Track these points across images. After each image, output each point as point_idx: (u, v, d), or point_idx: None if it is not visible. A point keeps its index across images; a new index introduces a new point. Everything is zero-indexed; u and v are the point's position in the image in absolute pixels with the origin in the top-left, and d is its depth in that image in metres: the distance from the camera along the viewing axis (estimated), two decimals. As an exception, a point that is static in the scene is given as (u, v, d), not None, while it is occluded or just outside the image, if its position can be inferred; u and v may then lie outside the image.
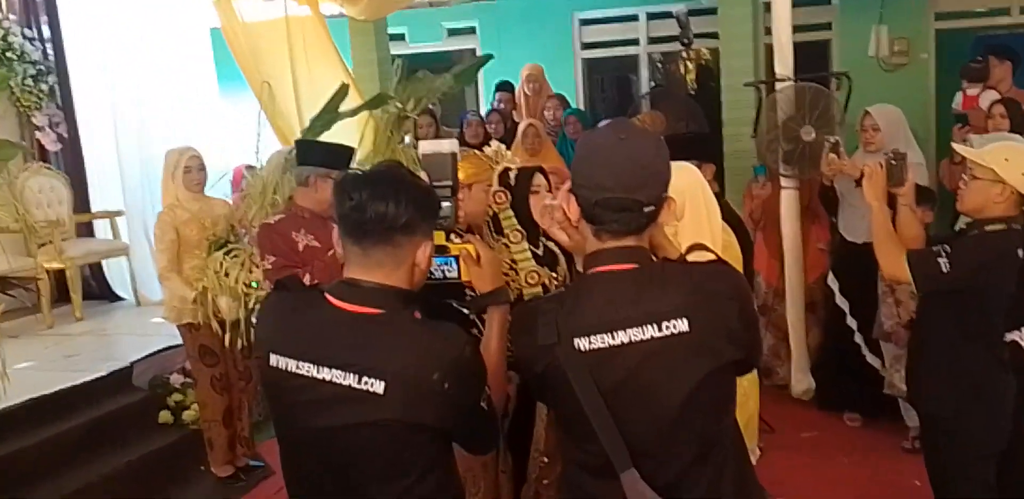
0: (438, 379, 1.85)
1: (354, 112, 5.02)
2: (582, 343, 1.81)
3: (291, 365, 1.93)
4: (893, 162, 3.29)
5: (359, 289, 1.93)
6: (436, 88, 5.14)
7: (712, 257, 1.95)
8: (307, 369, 1.91)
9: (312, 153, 4.01)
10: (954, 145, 3.45)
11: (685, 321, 1.79)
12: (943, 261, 2.95)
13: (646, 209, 1.83)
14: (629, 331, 1.79)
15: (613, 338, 1.80)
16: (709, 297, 1.82)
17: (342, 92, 4.76)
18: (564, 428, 1.98)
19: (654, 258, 1.91)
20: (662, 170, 1.86)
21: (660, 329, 1.79)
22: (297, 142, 4.34)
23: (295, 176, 4.07)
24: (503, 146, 3.67)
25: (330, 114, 4.67)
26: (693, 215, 2.89)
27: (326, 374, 1.89)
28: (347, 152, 4.06)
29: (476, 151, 3.49)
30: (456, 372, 1.88)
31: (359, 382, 1.86)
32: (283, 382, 1.95)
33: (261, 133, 5.47)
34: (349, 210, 1.90)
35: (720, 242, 3.03)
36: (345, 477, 1.96)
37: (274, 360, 1.96)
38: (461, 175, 3.28)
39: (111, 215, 7.17)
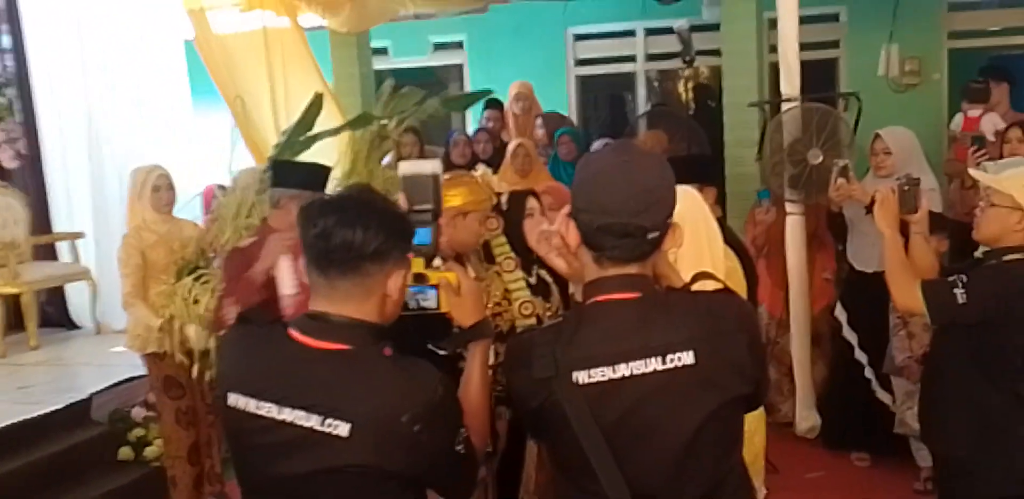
0: (408, 422, 1.83)
1: (336, 132, 5.02)
2: (581, 376, 1.80)
3: (251, 405, 1.91)
4: (906, 188, 3.31)
5: (325, 323, 1.92)
6: (422, 110, 5.14)
7: (719, 286, 1.95)
8: (267, 409, 1.89)
9: (285, 174, 4.01)
10: (971, 170, 3.47)
11: (691, 354, 1.78)
12: (959, 292, 2.95)
13: (650, 235, 1.83)
14: (631, 364, 1.79)
15: (614, 371, 1.79)
16: (716, 329, 1.82)
17: (316, 104, 4.76)
18: (560, 467, 1.97)
19: (657, 287, 1.91)
20: (667, 194, 1.86)
21: (664, 362, 1.79)
22: (271, 162, 4.34)
23: (269, 198, 4.07)
24: (489, 171, 3.68)
25: (305, 129, 4.66)
26: (693, 241, 2.88)
27: (287, 415, 1.87)
28: (322, 172, 4.05)
29: (476, 177, 3.48)
30: (428, 414, 1.86)
31: (322, 424, 1.84)
32: (242, 423, 1.93)
33: (235, 150, 5.47)
34: (313, 238, 1.89)
35: (722, 269, 3.03)
36: None
37: (232, 400, 1.93)
38: (458, 201, 3.30)
39: (72, 236, 7.12)
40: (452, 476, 1.99)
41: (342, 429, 1.83)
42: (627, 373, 1.79)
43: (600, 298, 1.86)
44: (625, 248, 1.83)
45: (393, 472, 1.86)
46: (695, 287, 1.96)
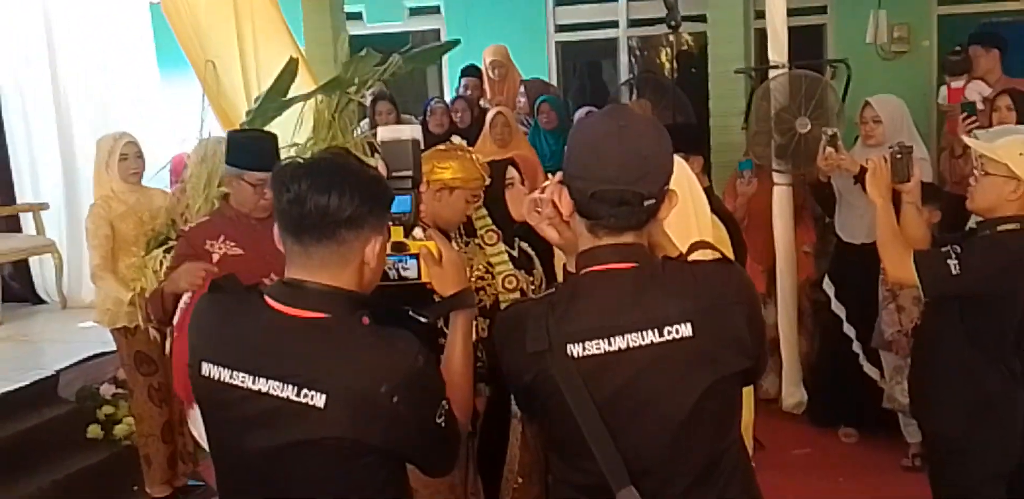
0: (386, 393, 1.81)
1: (308, 96, 4.95)
2: (575, 349, 1.79)
3: (225, 375, 1.89)
4: (898, 156, 3.29)
5: (301, 291, 1.89)
6: (384, 70, 5.04)
7: (716, 256, 1.94)
8: (242, 379, 1.87)
9: (229, 151, 3.79)
10: (965, 138, 3.46)
11: (689, 326, 1.77)
12: (953, 263, 2.95)
13: (647, 203, 1.81)
14: (628, 336, 1.78)
15: (610, 344, 1.78)
16: (715, 301, 1.81)
17: (290, 70, 4.68)
18: (554, 444, 1.95)
19: (654, 257, 1.89)
20: (665, 161, 1.84)
21: (662, 334, 1.77)
22: (227, 135, 4.17)
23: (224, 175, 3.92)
24: (463, 143, 3.62)
25: (279, 96, 4.58)
26: (680, 210, 2.86)
27: (263, 385, 1.85)
28: (262, 146, 3.75)
29: (473, 155, 3.42)
30: (407, 386, 1.84)
31: (298, 395, 1.82)
32: (216, 395, 1.91)
33: (205, 119, 5.40)
34: (287, 204, 1.86)
35: (710, 239, 3.02)
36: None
37: (206, 369, 1.91)
38: (447, 175, 3.25)
39: (36, 208, 7.05)
40: (433, 451, 1.97)
41: (318, 400, 1.81)
42: (623, 346, 1.78)
43: (594, 268, 1.84)
44: (621, 216, 1.81)
45: (371, 446, 1.84)
46: (692, 257, 1.95)
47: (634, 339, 1.78)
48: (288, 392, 1.83)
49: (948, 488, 3.22)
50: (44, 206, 7.08)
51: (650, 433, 1.80)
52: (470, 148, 3.50)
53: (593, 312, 1.81)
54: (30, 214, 7.10)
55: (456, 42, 5.67)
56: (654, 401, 1.80)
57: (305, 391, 1.82)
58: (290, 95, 4.82)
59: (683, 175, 2.91)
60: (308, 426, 1.82)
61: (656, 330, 1.77)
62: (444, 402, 1.93)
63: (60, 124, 7.08)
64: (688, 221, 2.86)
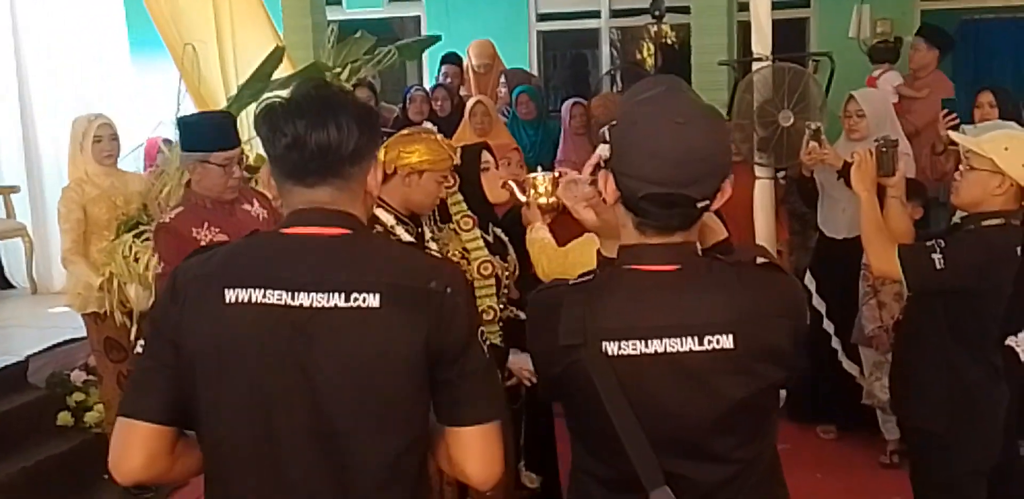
0: (436, 287, 1.77)
1: (284, 83, 4.91)
2: (611, 347, 1.73)
3: (256, 296, 1.76)
4: (883, 150, 3.30)
5: (318, 213, 1.82)
6: (377, 59, 5.03)
7: (765, 260, 1.83)
8: (279, 297, 1.75)
9: (183, 137, 3.73)
10: (951, 133, 3.47)
11: (730, 337, 1.71)
12: (937, 257, 2.96)
13: (699, 204, 1.73)
14: (666, 341, 1.72)
15: (647, 346, 1.72)
16: (760, 311, 1.74)
17: (275, 57, 4.66)
18: (579, 436, 1.90)
19: (700, 257, 1.81)
20: (723, 160, 1.76)
21: (701, 343, 1.71)
22: (176, 121, 4.12)
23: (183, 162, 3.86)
24: (435, 129, 3.61)
25: (262, 82, 4.56)
26: None
27: (304, 299, 1.75)
28: (219, 126, 3.70)
29: (437, 135, 3.41)
30: (455, 281, 1.82)
31: (347, 300, 1.74)
32: (244, 321, 1.76)
33: (181, 102, 5.36)
34: (285, 149, 1.78)
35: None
36: (326, 435, 1.77)
37: (231, 296, 1.76)
38: (414, 159, 3.24)
39: (5, 191, 6.98)
40: (485, 378, 1.84)
41: (372, 300, 1.74)
42: (660, 349, 1.71)
43: (638, 267, 1.78)
44: (671, 218, 1.74)
45: (428, 345, 1.76)
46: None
47: (672, 344, 1.71)
48: (336, 300, 1.74)
49: (930, 483, 3.23)
50: (15, 189, 7.01)
51: (677, 437, 1.75)
52: (432, 130, 3.49)
53: (632, 311, 1.75)
54: (-1, 197, 7.03)
55: (437, 38, 5.66)
56: (685, 408, 1.74)
57: (355, 294, 1.74)
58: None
59: None
60: (362, 332, 1.75)
61: (696, 338, 1.71)
62: (483, 328, 1.88)
63: (23, 105, 7.00)
64: None
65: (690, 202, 1.71)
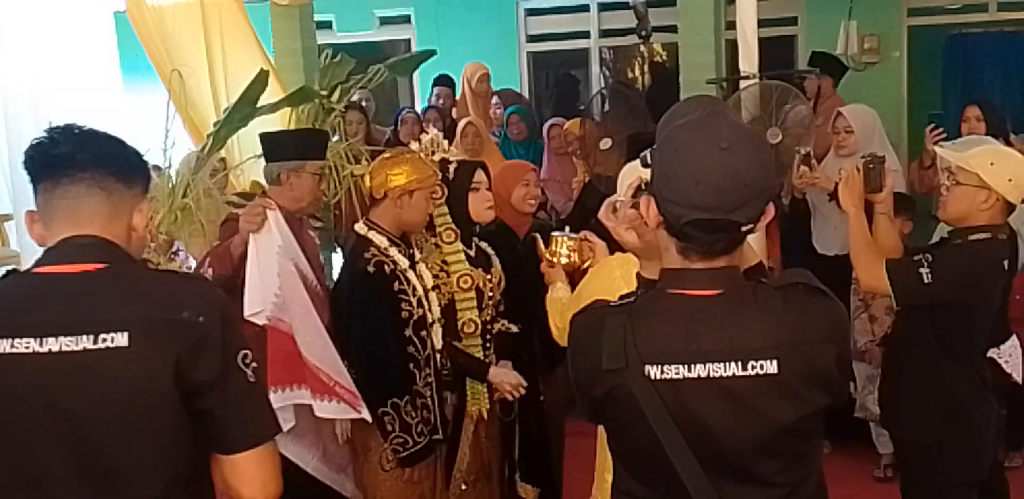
0: (190, 315, 1.79)
1: (274, 107, 4.92)
2: (653, 371, 1.72)
3: (4, 346, 1.77)
4: (871, 166, 3.31)
5: (73, 247, 1.86)
6: (366, 78, 5.02)
7: (804, 283, 1.80)
8: (26, 345, 1.76)
9: (277, 146, 3.83)
10: (936, 149, 3.49)
11: (775, 363, 1.70)
12: (925, 271, 2.97)
13: (744, 228, 1.72)
14: (709, 365, 1.70)
15: (690, 370, 1.71)
16: (805, 337, 1.72)
17: (261, 80, 4.65)
18: (621, 458, 1.89)
19: (745, 281, 1.79)
20: (768, 184, 1.75)
21: (745, 368, 1.70)
22: (260, 137, 4.19)
23: (265, 175, 3.88)
24: (440, 135, 3.61)
25: (249, 107, 4.55)
26: None
27: (53, 345, 1.75)
28: (320, 138, 3.89)
29: (421, 154, 3.42)
30: (210, 310, 1.83)
31: (96, 342, 1.75)
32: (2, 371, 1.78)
33: (171, 128, 5.36)
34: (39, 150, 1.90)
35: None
36: (92, 476, 1.80)
37: None
38: (402, 180, 3.26)
39: (1, 219, 6.96)
40: (246, 400, 1.85)
41: (120, 339, 1.75)
42: (703, 374, 1.70)
43: (682, 291, 1.77)
44: (716, 242, 1.72)
45: (181, 378, 1.77)
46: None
47: (716, 369, 1.70)
48: (84, 343, 1.75)
49: (920, 495, 3.23)
50: (8, 217, 6.99)
51: (719, 461, 1.74)
52: (410, 148, 3.50)
53: (674, 335, 1.73)
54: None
55: (431, 53, 5.64)
56: (729, 431, 1.73)
57: (103, 335, 1.75)
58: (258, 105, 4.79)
59: None
60: (114, 372, 1.76)
61: (740, 363, 1.70)
62: (247, 351, 1.86)
63: (11, 134, 6.99)
64: None
65: (735, 227, 1.70)
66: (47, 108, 6.97)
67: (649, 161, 1.78)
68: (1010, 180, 3.02)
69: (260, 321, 3.17)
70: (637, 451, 1.81)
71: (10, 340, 1.77)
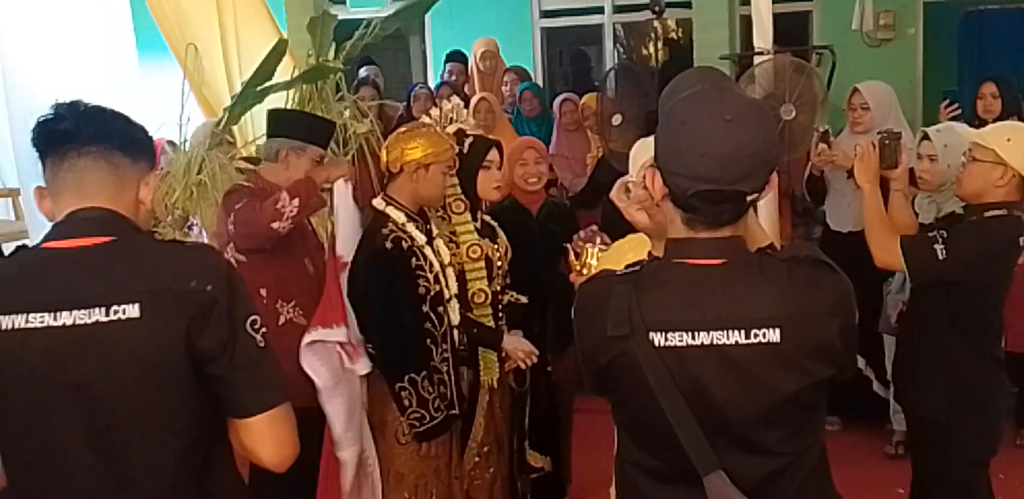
0: (197, 286, 1.83)
1: (288, 85, 4.89)
2: (658, 338, 1.74)
3: (19, 321, 1.81)
4: (887, 142, 3.30)
5: (80, 221, 1.89)
6: (373, 33, 4.94)
7: (811, 256, 1.82)
8: (40, 319, 1.80)
9: (286, 124, 3.82)
10: (954, 126, 3.50)
11: (777, 332, 1.71)
12: (939, 248, 2.97)
13: (749, 198, 1.74)
14: (712, 333, 1.73)
15: (693, 338, 1.73)
16: (808, 309, 1.74)
17: (278, 51, 4.62)
18: (626, 428, 1.92)
19: (748, 252, 1.82)
20: (772, 155, 1.75)
21: (748, 336, 1.72)
22: (270, 112, 4.18)
23: (264, 150, 3.89)
24: (460, 104, 3.61)
25: (266, 77, 4.52)
26: None
27: (66, 318, 1.80)
28: (328, 126, 3.87)
29: (436, 128, 3.42)
30: (217, 278, 1.86)
31: (108, 314, 1.79)
32: (11, 348, 1.82)
33: (185, 104, 5.36)
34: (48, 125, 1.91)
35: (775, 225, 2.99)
36: (107, 447, 1.84)
37: None
38: (418, 153, 3.26)
39: (11, 194, 6.99)
40: (257, 369, 1.89)
41: (132, 311, 1.79)
42: (707, 341, 1.73)
43: (688, 261, 1.79)
44: (723, 213, 1.75)
45: (190, 346, 1.82)
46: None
47: (719, 336, 1.72)
48: (96, 315, 1.80)
49: (929, 474, 3.25)
50: (16, 192, 7.02)
51: (725, 429, 1.76)
52: (425, 122, 3.50)
53: (679, 303, 1.76)
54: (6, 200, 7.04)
55: None
56: (732, 399, 1.74)
57: (114, 307, 1.79)
58: (274, 80, 4.76)
59: None
60: (125, 343, 1.80)
61: (743, 331, 1.72)
62: (256, 317, 1.91)
63: (28, 107, 7.00)
64: None
65: (740, 197, 1.73)
66: (62, 87, 6.99)
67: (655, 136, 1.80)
68: None
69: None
70: (641, 421, 1.84)
71: (24, 315, 1.81)
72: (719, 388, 1.74)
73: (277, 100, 4.75)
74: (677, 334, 1.74)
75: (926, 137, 3.49)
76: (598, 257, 3.06)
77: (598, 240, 3.10)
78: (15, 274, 1.90)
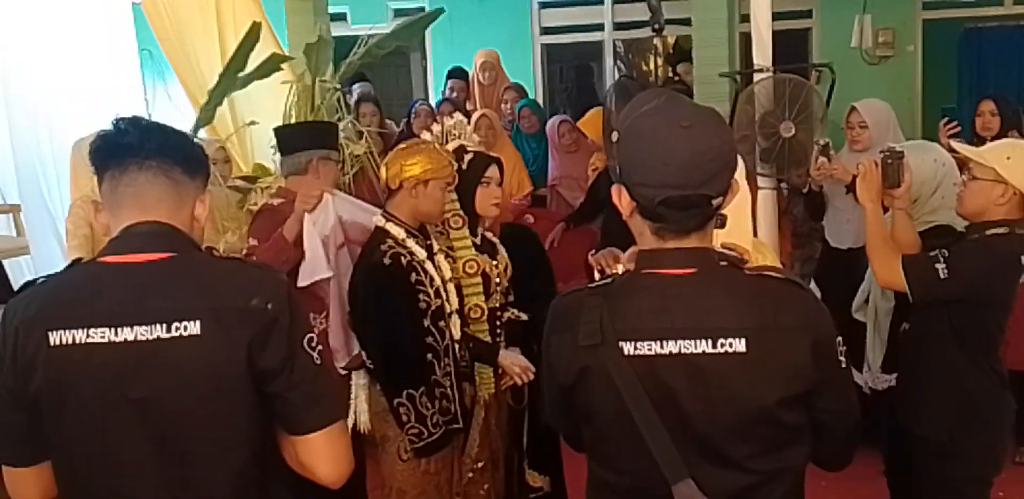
0: (258, 304, 1.83)
1: (248, 78, 4.86)
2: (627, 347, 1.77)
3: (79, 336, 1.81)
4: (889, 161, 3.28)
5: (138, 236, 1.90)
6: (369, 52, 4.97)
7: (780, 274, 1.85)
8: (102, 334, 1.81)
9: (299, 137, 3.90)
10: (954, 144, 3.50)
11: (743, 342, 1.73)
12: (941, 267, 2.96)
13: (714, 202, 1.78)
14: (681, 342, 1.75)
15: (662, 346, 1.76)
16: (776, 323, 1.76)
17: (253, 34, 4.65)
18: (594, 447, 1.92)
19: (718, 262, 1.84)
20: (731, 157, 1.79)
21: (715, 346, 1.74)
22: (276, 129, 4.22)
23: (288, 165, 3.96)
24: (464, 120, 3.62)
25: (243, 59, 4.55)
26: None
27: (127, 334, 1.80)
28: (333, 129, 3.99)
29: (436, 144, 3.43)
30: (277, 296, 1.87)
31: (169, 330, 1.80)
32: (72, 363, 1.81)
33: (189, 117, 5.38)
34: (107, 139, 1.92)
35: (774, 243, 2.95)
36: (168, 462, 1.85)
37: (55, 338, 1.82)
38: (417, 170, 3.26)
39: (12, 209, 6.99)
40: (314, 387, 1.91)
41: (193, 328, 1.80)
42: (675, 350, 1.75)
43: (657, 271, 1.81)
44: (689, 219, 1.78)
45: (250, 362, 1.83)
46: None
47: (687, 345, 1.74)
48: (158, 331, 1.80)
49: (933, 490, 3.22)
50: (16, 207, 7.01)
51: (695, 441, 1.76)
52: (424, 138, 3.51)
53: (648, 312, 1.78)
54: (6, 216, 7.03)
55: (440, 11, 5.55)
56: (701, 410, 1.75)
57: (175, 324, 1.80)
58: (269, 91, 4.81)
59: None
60: (187, 359, 1.81)
61: (710, 340, 1.74)
62: (312, 335, 1.92)
63: (28, 125, 7.01)
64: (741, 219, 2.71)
65: (706, 201, 1.76)
66: (65, 100, 7.00)
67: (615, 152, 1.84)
68: None
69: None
70: (609, 435, 1.85)
71: (85, 330, 1.82)
72: (688, 397, 1.75)
73: (275, 120, 4.77)
74: (646, 343, 1.77)
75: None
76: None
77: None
78: (74, 288, 1.89)
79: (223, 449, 1.88)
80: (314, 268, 3.35)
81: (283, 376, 1.87)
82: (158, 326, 1.80)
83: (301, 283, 3.36)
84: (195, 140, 2.08)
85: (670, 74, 7.32)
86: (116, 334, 1.80)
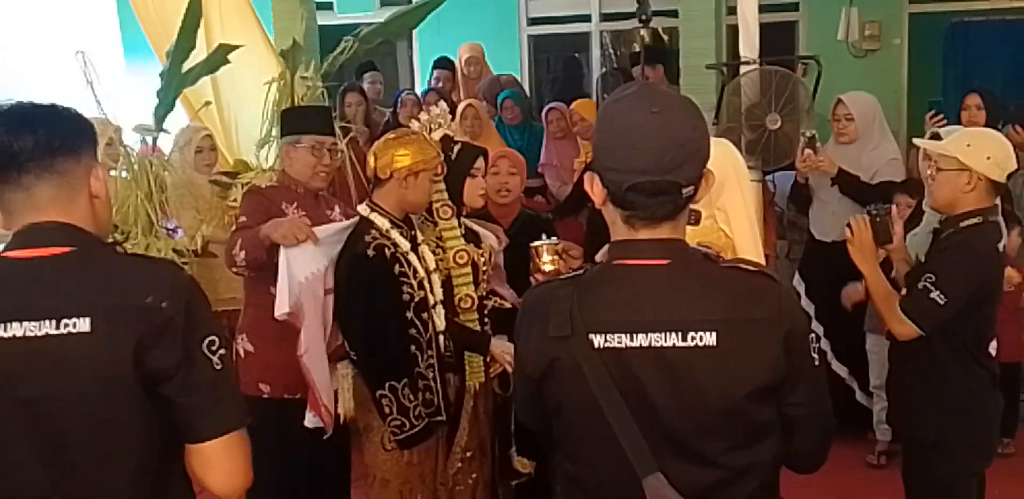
0: (153, 301, 1.77)
1: (202, 69, 4.86)
2: (597, 339, 1.75)
3: None
4: (877, 219, 3.21)
5: (37, 231, 1.83)
6: (359, 47, 4.96)
7: (754, 267, 1.83)
8: None
9: (283, 124, 3.91)
10: (915, 140, 3.53)
11: (713, 335, 1.71)
12: (936, 295, 2.98)
13: (685, 190, 1.75)
14: (651, 335, 1.73)
15: (632, 339, 1.74)
16: (748, 315, 1.74)
17: (195, 8, 4.71)
18: (563, 443, 1.90)
19: (691, 253, 1.82)
20: (703, 144, 1.76)
21: (685, 339, 1.72)
22: (282, 112, 4.20)
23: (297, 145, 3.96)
24: (447, 109, 3.60)
25: (190, 33, 4.58)
26: (731, 200, 2.68)
27: (16, 330, 1.74)
28: (319, 112, 3.92)
29: (424, 134, 3.42)
30: (174, 294, 1.80)
31: (59, 327, 1.73)
32: None
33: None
34: None
35: (760, 235, 2.95)
36: (59, 463, 1.79)
37: None
38: (407, 161, 3.26)
39: None
40: (208, 389, 1.82)
41: (83, 324, 1.73)
42: (645, 343, 1.73)
43: (627, 262, 1.80)
44: (658, 206, 1.75)
45: (140, 364, 1.75)
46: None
47: (657, 338, 1.73)
48: (47, 328, 1.74)
49: (922, 486, 3.23)
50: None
51: (665, 435, 1.75)
52: (413, 128, 3.50)
53: (619, 304, 1.76)
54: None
55: (440, 1, 5.50)
56: (671, 404, 1.74)
57: (64, 321, 1.74)
58: (256, 82, 4.80)
59: (730, 161, 2.69)
60: (75, 357, 1.74)
61: (680, 333, 1.72)
62: (215, 337, 1.84)
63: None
64: (739, 209, 2.71)
65: (676, 188, 1.73)
66: (51, 87, 6.97)
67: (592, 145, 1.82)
68: (989, 158, 3.03)
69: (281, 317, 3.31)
70: (578, 428, 1.83)
71: None
72: (658, 390, 1.74)
73: (255, 119, 4.78)
74: (616, 336, 1.74)
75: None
76: (548, 252, 3.08)
77: (554, 239, 3.12)
78: None
79: (115, 454, 1.80)
80: (279, 302, 3.28)
81: (176, 379, 1.79)
82: (47, 322, 1.74)
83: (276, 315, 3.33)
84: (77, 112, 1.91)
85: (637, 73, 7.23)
86: (5, 329, 1.75)
